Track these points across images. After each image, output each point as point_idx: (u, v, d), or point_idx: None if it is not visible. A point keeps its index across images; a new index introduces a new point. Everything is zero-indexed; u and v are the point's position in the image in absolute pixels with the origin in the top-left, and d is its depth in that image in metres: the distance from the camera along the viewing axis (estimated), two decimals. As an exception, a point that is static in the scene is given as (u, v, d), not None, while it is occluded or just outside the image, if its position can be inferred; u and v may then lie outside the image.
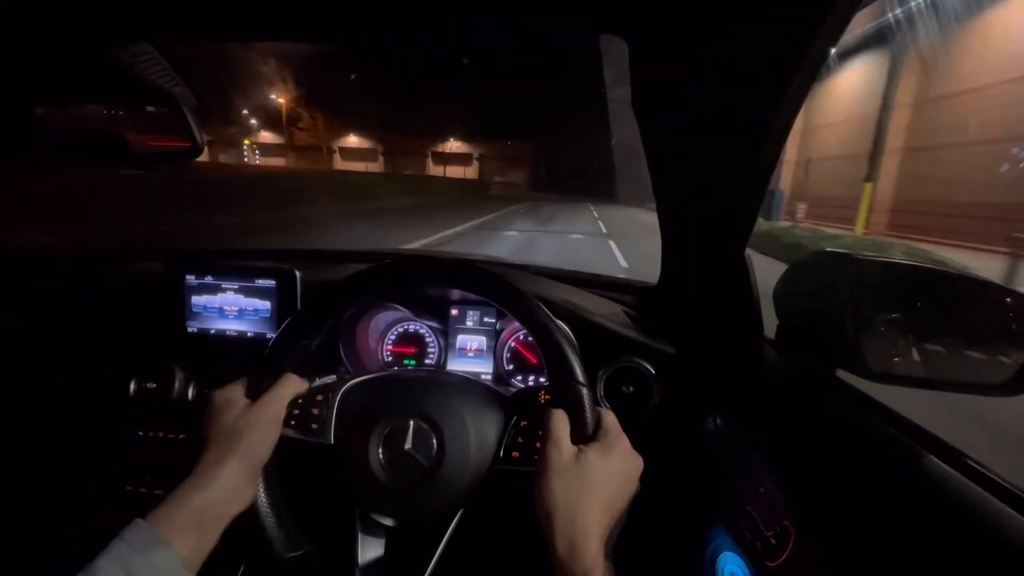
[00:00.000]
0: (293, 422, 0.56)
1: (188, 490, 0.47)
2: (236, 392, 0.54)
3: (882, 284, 0.63)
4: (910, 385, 0.57)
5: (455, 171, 45.38)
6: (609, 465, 0.49)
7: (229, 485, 0.49)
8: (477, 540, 0.61)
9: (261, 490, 0.53)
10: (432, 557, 0.55)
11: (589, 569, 0.43)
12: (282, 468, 0.57)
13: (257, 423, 0.51)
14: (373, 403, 0.58)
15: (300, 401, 0.57)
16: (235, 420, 0.51)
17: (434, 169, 46.27)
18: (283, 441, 0.56)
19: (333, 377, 0.62)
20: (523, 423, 0.57)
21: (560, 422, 0.51)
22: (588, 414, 0.52)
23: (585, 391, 0.53)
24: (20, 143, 0.86)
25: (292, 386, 0.55)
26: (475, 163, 49.15)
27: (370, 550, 0.58)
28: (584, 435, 0.51)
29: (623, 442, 0.51)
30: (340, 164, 42.59)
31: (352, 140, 43.90)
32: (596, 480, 0.48)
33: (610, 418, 0.53)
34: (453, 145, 49.21)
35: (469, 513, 0.56)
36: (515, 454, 0.55)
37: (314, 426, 0.56)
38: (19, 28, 0.71)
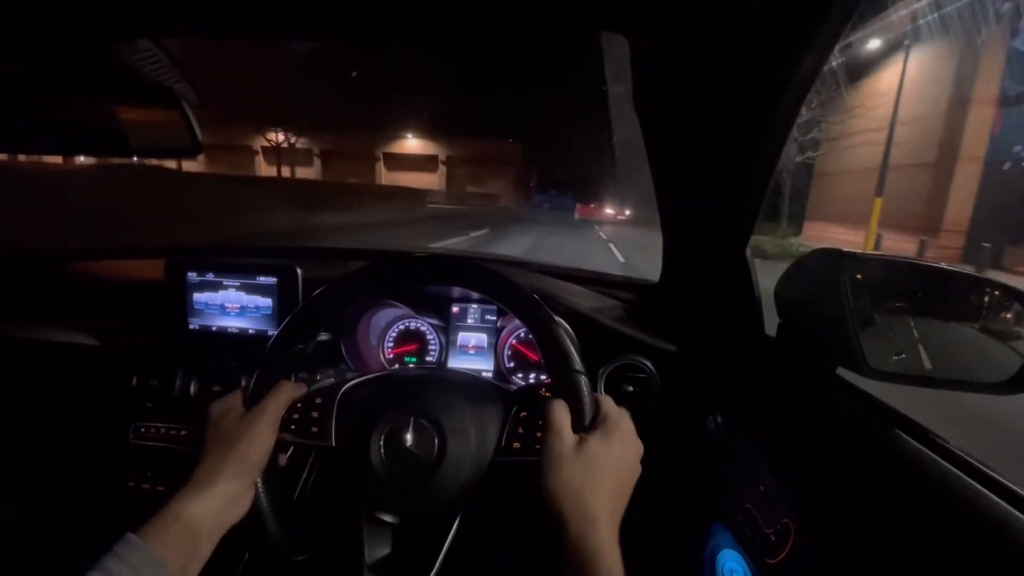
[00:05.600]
0: (293, 426, 0.59)
1: (182, 501, 0.48)
2: (233, 402, 0.57)
3: (883, 282, 0.63)
4: (910, 383, 0.57)
5: (415, 179, 32.34)
6: (611, 450, 0.50)
7: (224, 494, 0.50)
8: (482, 532, 0.61)
9: (263, 494, 0.56)
10: (439, 552, 0.55)
11: (600, 555, 0.45)
12: (285, 472, 0.57)
13: (251, 431, 0.52)
14: (373, 402, 0.60)
15: (299, 405, 0.60)
16: (230, 429, 0.53)
17: (387, 176, 34.03)
18: (285, 446, 0.56)
19: (331, 380, 0.63)
20: (523, 414, 0.58)
21: (560, 412, 0.52)
22: (587, 402, 0.54)
23: (583, 379, 0.54)
24: (21, 139, 0.86)
25: (288, 392, 0.57)
26: (441, 168, 35.42)
27: (377, 549, 0.59)
28: (585, 423, 0.53)
29: (623, 426, 0.53)
30: (264, 169, 31.49)
31: (281, 138, 30.60)
32: (600, 467, 0.49)
33: (609, 404, 0.55)
34: (412, 144, 35.13)
35: (473, 506, 0.57)
36: (516, 445, 0.56)
37: (314, 429, 0.59)
38: (20, 24, 0.71)
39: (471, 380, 0.67)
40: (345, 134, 31.30)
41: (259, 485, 0.55)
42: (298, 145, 29.52)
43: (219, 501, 0.49)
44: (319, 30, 0.81)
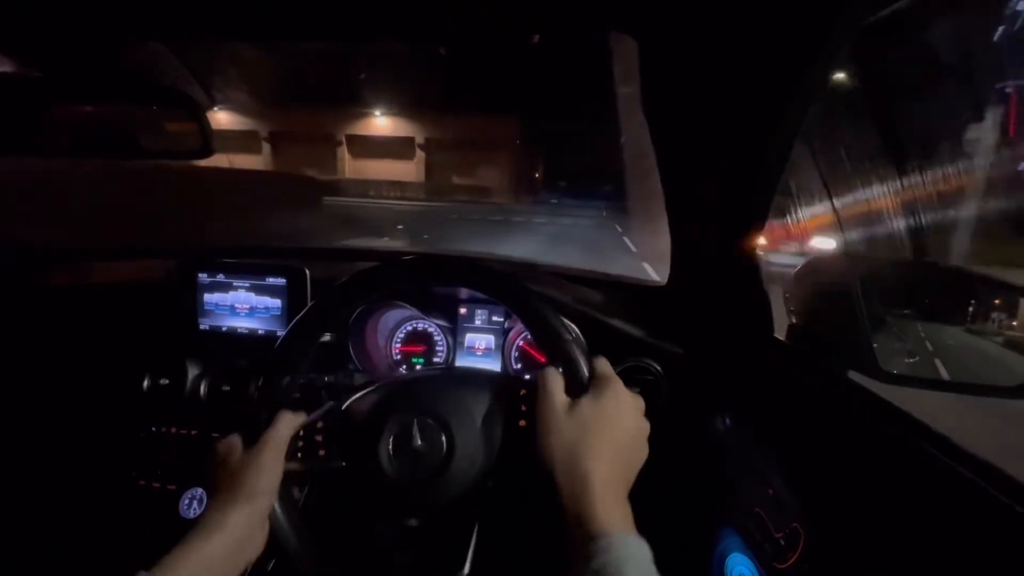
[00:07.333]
0: (299, 454, 0.59)
1: (192, 540, 0.48)
2: (236, 439, 0.58)
3: (896, 284, 0.63)
4: (922, 387, 0.57)
5: (387, 167, 25.41)
6: (603, 409, 0.50)
7: (236, 532, 0.50)
8: (507, 518, 0.61)
9: (282, 526, 0.56)
10: (467, 547, 0.55)
11: (594, 515, 0.44)
12: (302, 503, 0.58)
13: (256, 466, 0.53)
14: (374, 412, 0.60)
15: (302, 432, 0.60)
16: (235, 467, 0.53)
17: (352, 164, 25.92)
18: (297, 478, 0.57)
19: (330, 404, 0.63)
20: (522, 392, 0.57)
21: (552, 378, 0.53)
22: (579, 366, 0.54)
23: (573, 346, 0.55)
24: (33, 141, 0.87)
25: (288, 422, 0.57)
26: (419, 153, 26.25)
27: (403, 553, 0.59)
28: (580, 388, 0.53)
29: (616, 385, 0.53)
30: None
31: (220, 119, 23.02)
32: (591, 427, 0.49)
33: (603, 365, 0.55)
34: (382, 124, 26.22)
35: (493, 495, 0.57)
36: (521, 423, 0.56)
37: (321, 452, 0.60)
38: (36, 28, 0.72)
39: (470, 372, 0.68)
40: (299, 111, 23.28)
41: (276, 517, 0.55)
42: (245, 126, 22.14)
43: (232, 538, 0.49)
44: (326, 31, 0.81)
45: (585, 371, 0.53)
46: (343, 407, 0.62)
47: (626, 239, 10.98)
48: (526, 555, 0.72)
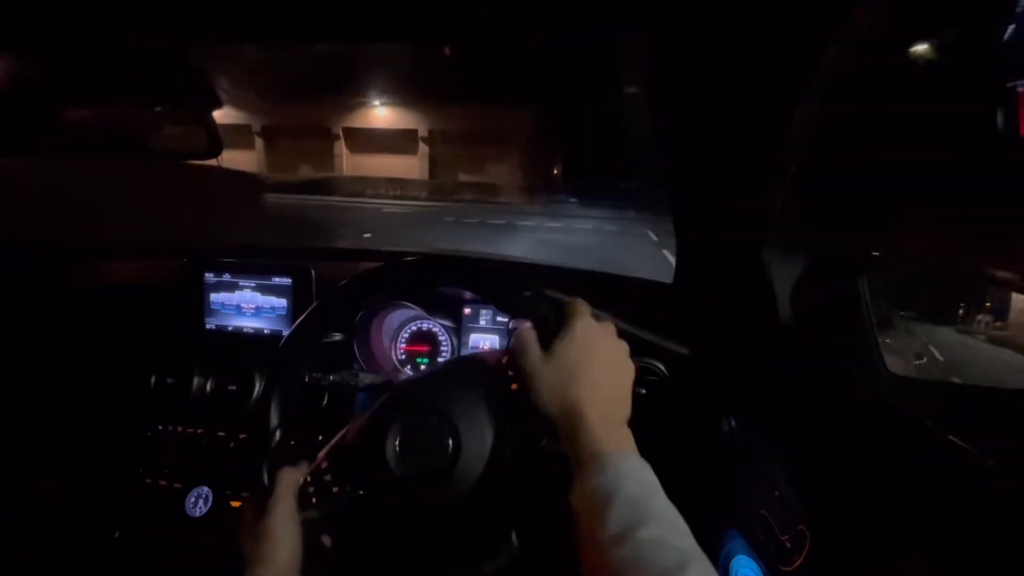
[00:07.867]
0: (314, 499, 0.58)
1: None
2: (245, 512, 0.58)
3: (904, 286, 0.62)
4: (928, 389, 0.55)
5: (387, 163, 22.98)
6: (577, 344, 0.51)
7: None
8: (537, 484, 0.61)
9: (315, 572, 0.55)
10: (509, 526, 0.55)
11: (590, 441, 0.46)
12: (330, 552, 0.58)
13: (269, 534, 0.52)
14: (374, 428, 0.59)
15: (309, 479, 0.59)
16: (249, 540, 0.53)
17: (351, 159, 23.61)
18: (319, 524, 0.57)
19: (329, 443, 0.62)
20: (504, 359, 0.58)
21: (525, 335, 0.54)
22: (543, 314, 0.55)
23: (533, 298, 0.56)
24: (39, 140, 0.88)
25: (290, 479, 0.56)
26: (423, 147, 23.44)
27: (433, 555, 0.58)
28: (550, 334, 0.53)
29: (582, 319, 0.53)
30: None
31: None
32: (570, 364, 0.50)
33: (570, 306, 0.55)
34: (381, 116, 23.40)
35: (513, 471, 0.56)
36: (513, 387, 0.55)
37: (335, 489, 0.58)
38: (44, 28, 0.73)
39: (453, 362, 0.66)
40: (294, 103, 21.20)
41: (310, 572, 0.54)
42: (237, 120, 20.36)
43: None
44: (328, 32, 0.81)
45: (550, 317, 0.54)
46: (340, 438, 0.61)
47: (666, 252, 8.02)
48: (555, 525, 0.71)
